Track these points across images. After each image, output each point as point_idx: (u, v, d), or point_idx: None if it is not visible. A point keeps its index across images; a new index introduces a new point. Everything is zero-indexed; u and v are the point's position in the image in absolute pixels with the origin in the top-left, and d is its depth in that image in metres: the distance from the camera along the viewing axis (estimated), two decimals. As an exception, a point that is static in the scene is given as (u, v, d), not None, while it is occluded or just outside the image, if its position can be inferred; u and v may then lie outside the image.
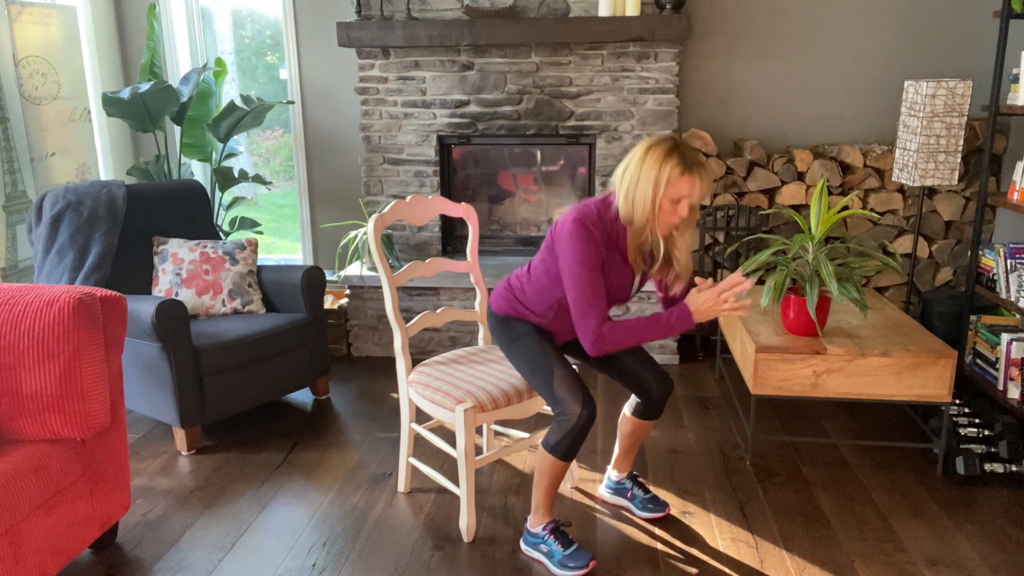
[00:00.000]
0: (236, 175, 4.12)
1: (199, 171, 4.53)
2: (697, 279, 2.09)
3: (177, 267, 3.24)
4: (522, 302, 2.27)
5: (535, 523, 2.27)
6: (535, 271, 2.23)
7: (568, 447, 2.12)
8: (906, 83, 3.30)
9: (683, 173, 1.97)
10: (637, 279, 2.21)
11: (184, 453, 2.95)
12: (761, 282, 3.62)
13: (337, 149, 4.35)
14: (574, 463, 2.68)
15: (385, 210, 2.45)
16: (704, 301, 2.02)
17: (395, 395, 3.49)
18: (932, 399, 2.66)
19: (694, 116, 4.06)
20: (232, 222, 4.24)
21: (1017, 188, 3.06)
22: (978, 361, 3.24)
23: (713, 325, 4.01)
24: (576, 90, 3.84)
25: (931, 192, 3.79)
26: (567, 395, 2.11)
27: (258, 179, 4.18)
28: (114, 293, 2.20)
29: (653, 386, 2.33)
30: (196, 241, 3.34)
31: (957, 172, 3.20)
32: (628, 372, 2.35)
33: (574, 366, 2.39)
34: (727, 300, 2.00)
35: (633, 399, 2.41)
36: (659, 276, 2.24)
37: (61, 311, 2.03)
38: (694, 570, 2.22)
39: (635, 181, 2.00)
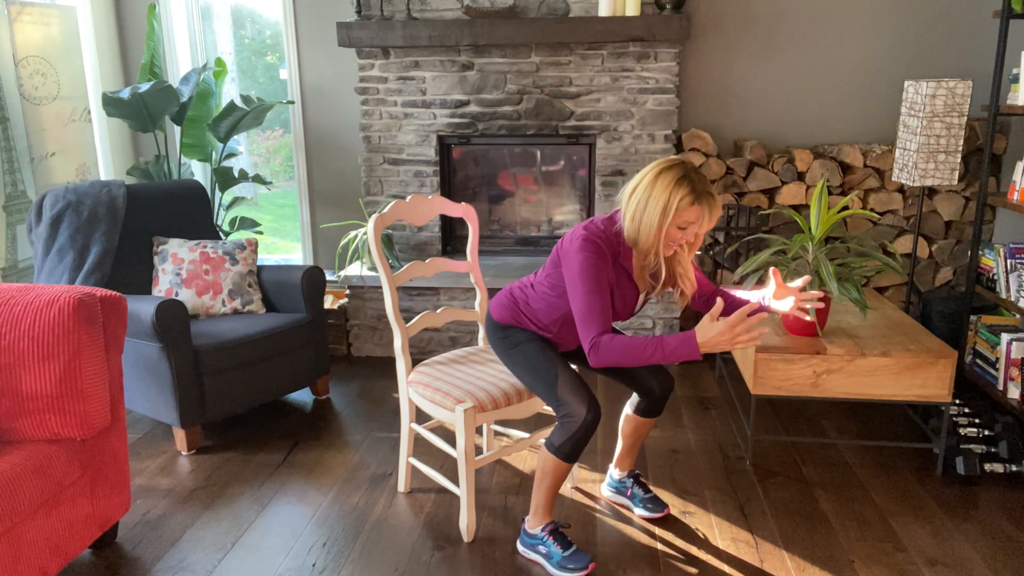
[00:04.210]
0: (236, 175, 4.12)
1: (199, 171, 4.53)
2: (720, 292, 1.99)
3: (177, 267, 3.24)
4: (525, 314, 2.28)
5: (534, 524, 2.27)
6: (540, 287, 2.24)
7: (572, 449, 2.12)
8: (906, 83, 3.30)
9: (693, 203, 1.95)
10: (642, 297, 2.23)
11: (184, 453, 2.95)
12: (761, 282, 3.62)
13: (337, 149, 4.35)
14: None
15: (385, 210, 2.45)
16: (716, 334, 1.87)
17: (395, 395, 3.49)
18: (932, 399, 2.66)
19: (694, 116, 4.06)
20: (232, 222, 4.24)
21: (1017, 188, 3.06)
22: (978, 361, 3.24)
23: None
24: (576, 90, 3.83)
25: (931, 192, 3.79)
26: (572, 397, 2.11)
27: (258, 179, 4.18)
28: (114, 293, 2.20)
29: (654, 384, 2.34)
30: (196, 241, 3.34)
31: (957, 172, 3.20)
32: (629, 372, 2.36)
33: (575, 368, 2.39)
34: (740, 335, 1.86)
35: (634, 397, 2.43)
36: (665, 292, 2.26)
37: (61, 311, 2.03)
38: (694, 570, 2.22)
39: (643, 205, 1.99)
